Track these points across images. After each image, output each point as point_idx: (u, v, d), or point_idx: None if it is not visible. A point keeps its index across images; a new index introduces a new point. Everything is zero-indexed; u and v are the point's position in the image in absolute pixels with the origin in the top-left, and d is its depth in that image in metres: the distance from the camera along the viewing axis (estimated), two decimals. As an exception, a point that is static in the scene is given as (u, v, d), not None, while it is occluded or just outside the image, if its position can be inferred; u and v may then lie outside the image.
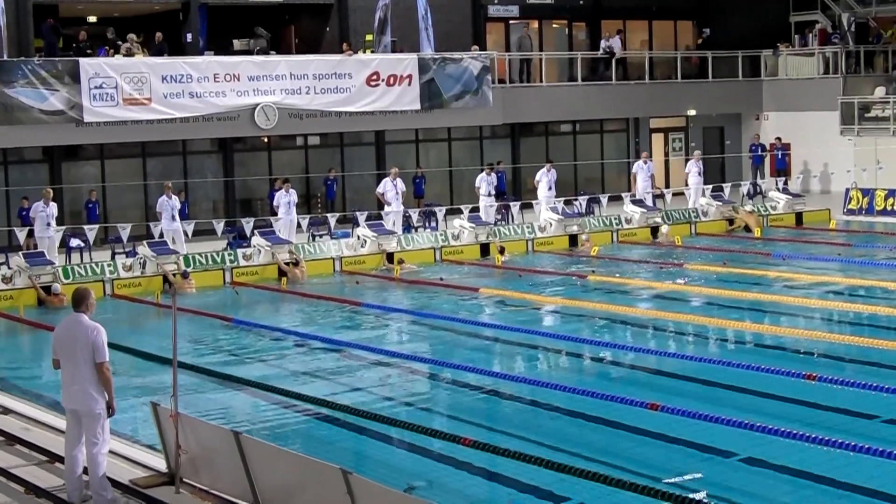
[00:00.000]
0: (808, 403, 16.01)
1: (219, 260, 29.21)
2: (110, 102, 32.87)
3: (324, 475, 10.40)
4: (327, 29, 40.35)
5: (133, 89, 33.20)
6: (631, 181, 38.03)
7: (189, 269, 28.24)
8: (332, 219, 32.76)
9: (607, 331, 21.91)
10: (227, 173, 36.83)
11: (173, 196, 30.87)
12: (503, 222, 35.08)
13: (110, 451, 12.48)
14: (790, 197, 37.31)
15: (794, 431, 14.09)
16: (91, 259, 29.72)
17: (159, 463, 13.03)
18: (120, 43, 34.57)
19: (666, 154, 45.39)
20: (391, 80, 37.10)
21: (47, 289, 26.71)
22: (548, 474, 13.02)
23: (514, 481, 13.28)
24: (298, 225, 32.20)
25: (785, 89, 44.98)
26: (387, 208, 33.55)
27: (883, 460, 13.17)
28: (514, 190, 40.38)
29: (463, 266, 30.38)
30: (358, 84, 36.54)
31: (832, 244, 31.68)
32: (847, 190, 37.61)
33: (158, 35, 35.30)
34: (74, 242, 30.41)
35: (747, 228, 34.81)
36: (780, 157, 42.79)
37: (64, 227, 30.36)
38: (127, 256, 29.37)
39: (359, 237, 31.27)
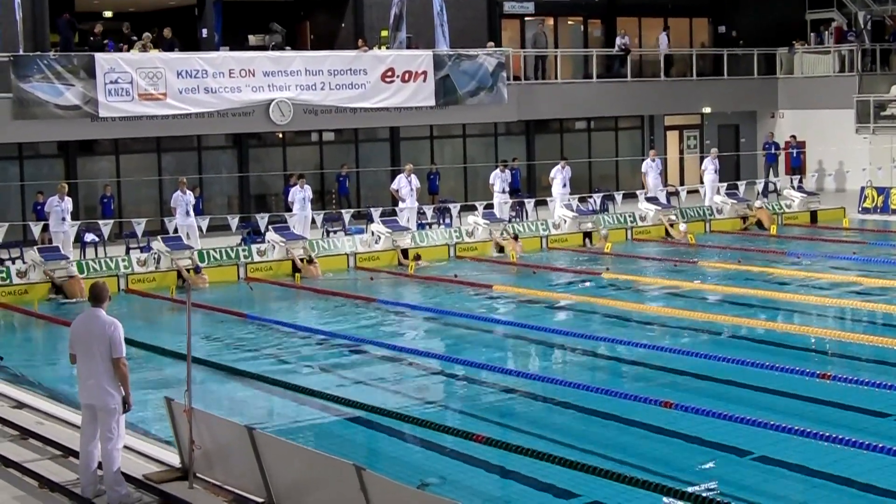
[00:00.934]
0: (822, 402, 15.98)
1: (233, 255, 29.24)
2: (125, 97, 32.94)
3: (337, 471, 10.40)
4: (342, 25, 40.39)
5: (148, 84, 33.25)
6: (642, 180, 37.96)
7: (203, 265, 28.27)
8: (347, 215, 32.79)
9: (621, 328, 21.87)
10: (242, 169, 36.87)
11: (188, 191, 30.91)
12: (517, 219, 35.07)
13: (124, 446, 12.50)
14: (805, 195, 37.25)
15: (808, 430, 14.07)
16: (105, 254, 29.80)
17: (173, 458, 13.06)
18: (135, 39, 34.60)
19: (681, 151, 45.33)
20: (406, 77, 37.12)
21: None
22: (561, 471, 13.01)
23: (527, 478, 13.29)
24: (313, 221, 32.22)
25: (800, 87, 44.89)
26: (401, 204, 33.56)
27: (897, 459, 13.16)
28: (529, 187, 40.36)
29: (477, 262, 30.38)
30: (373, 80, 36.56)
31: (847, 242, 31.62)
32: (862, 188, 37.53)
33: (167, 31, 35.32)
34: (89, 237, 30.50)
35: (760, 225, 34.75)
36: (795, 155, 42.71)
37: (79, 222, 30.45)
38: (141, 251, 29.42)
39: (373, 233, 31.30)
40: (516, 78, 40.42)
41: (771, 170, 42.23)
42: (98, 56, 32.91)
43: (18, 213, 32.70)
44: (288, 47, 37.54)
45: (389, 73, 36.88)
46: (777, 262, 28.89)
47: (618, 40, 43.37)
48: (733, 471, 13.60)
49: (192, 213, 30.73)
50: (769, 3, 46.85)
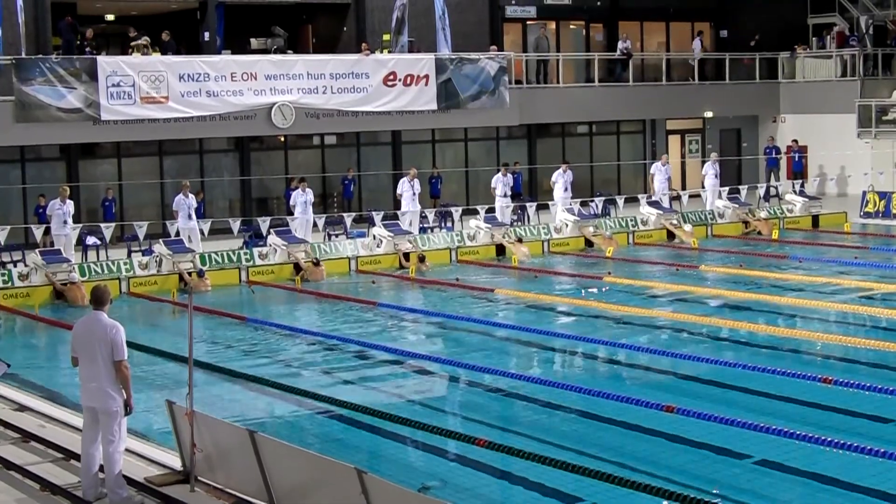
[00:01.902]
0: (823, 406, 15.99)
1: (235, 259, 29.26)
2: (128, 101, 32.97)
3: (339, 474, 10.41)
4: (344, 28, 40.41)
5: (150, 88, 33.28)
6: (648, 182, 37.99)
7: (205, 268, 28.29)
8: (348, 218, 32.81)
9: (622, 332, 21.88)
10: (244, 172, 36.90)
11: (190, 195, 30.93)
12: (519, 223, 35.08)
13: (126, 449, 12.52)
14: (807, 199, 37.26)
15: (809, 434, 14.07)
16: (107, 257, 29.82)
17: (174, 461, 13.07)
18: (135, 43, 34.58)
19: (682, 156, 45.34)
20: (408, 80, 37.14)
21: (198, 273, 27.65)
22: (562, 475, 13.02)
23: (529, 482, 13.29)
24: (314, 224, 32.24)
25: (802, 92, 44.91)
26: (403, 208, 33.57)
27: (898, 464, 13.17)
28: (530, 191, 40.38)
29: (479, 266, 30.40)
30: (375, 84, 36.59)
31: (849, 247, 31.61)
32: (864, 193, 37.53)
33: (165, 34, 35.31)
34: (91, 240, 30.52)
35: (760, 233, 34.76)
36: (796, 159, 42.71)
37: (80, 225, 30.46)
38: (143, 254, 29.44)
39: (375, 237, 31.31)
40: (518, 82, 40.47)
41: (772, 174, 42.23)
42: (100, 59, 32.96)
43: (20, 216, 32.72)
44: (290, 51, 37.57)
45: (391, 77, 36.91)
46: (779, 266, 28.89)
47: (620, 44, 43.42)
48: (734, 474, 13.60)
49: (193, 216, 30.76)
50: (771, 8, 46.86)
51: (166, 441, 13.89)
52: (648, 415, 15.51)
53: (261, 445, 11.52)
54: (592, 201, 36.60)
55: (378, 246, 30.93)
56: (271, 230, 30.57)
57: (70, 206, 29.50)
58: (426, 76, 37.43)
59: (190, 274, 27.89)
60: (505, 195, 35.25)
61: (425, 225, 33.96)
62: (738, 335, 21.27)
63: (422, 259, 30.00)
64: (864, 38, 44.98)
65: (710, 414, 15.10)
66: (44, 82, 31.87)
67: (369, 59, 36.76)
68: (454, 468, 14.15)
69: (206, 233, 30.80)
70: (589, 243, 32.94)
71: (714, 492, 12.71)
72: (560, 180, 35.92)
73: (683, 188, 41.20)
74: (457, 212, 34.22)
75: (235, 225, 31.34)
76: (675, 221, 34.40)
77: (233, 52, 35.96)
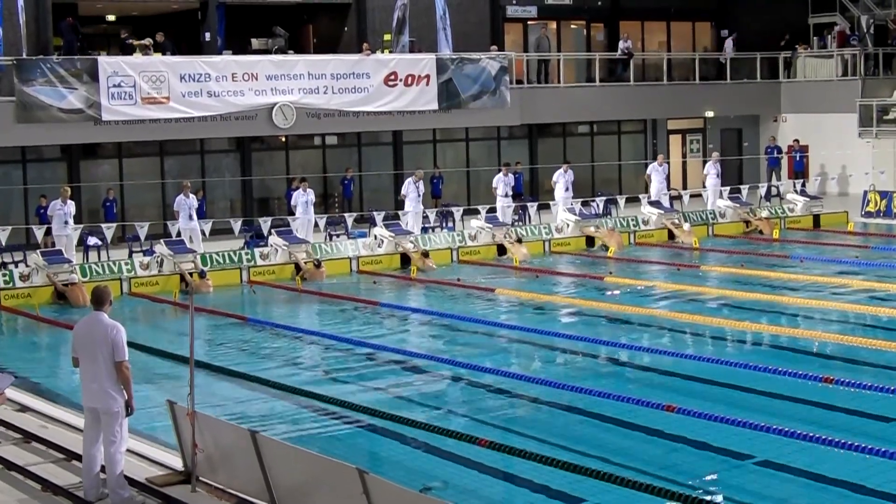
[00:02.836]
0: (825, 406, 15.99)
1: (236, 259, 29.26)
2: (129, 101, 32.96)
3: (340, 475, 10.41)
4: (345, 29, 40.39)
5: (151, 88, 33.27)
6: (647, 183, 37.98)
7: (206, 269, 28.28)
8: (350, 218, 32.81)
9: (624, 332, 21.88)
10: (245, 172, 36.89)
11: (191, 195, 30.92)
12: (520, 223, 35.07)
13: (127, 450, 12.52)
14: (808, 199, 37.25)
15: (811, 434, 14.07)
16: (108, 257, 29.81)
17: (175, 461, 13.07)
18: (137, 43, 34.55)
19: (683, 155, 45.33)
20: (409, 80, 37.13)
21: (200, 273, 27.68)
22: (563, 475, 13.02)
23: (530, 482, 13.29)
24: (316, 224, 32.23)
25: (803, 91, 44.88)
26: (407, 208, 33.52)
27: (900, 464, 13.16)
28: (532, 190, 40.36)
29: (480, 266, 30.40)
30: (376, 84, 36.58)
31: (850, 246, 31.59)
32: (865, 192, 37.50)
33: (160, 35, 35.24)
34: (92, 241, 30.51)
35: (762, 232, 34.75)
36: (797, 159, 42.69)
37: (82, 226, 30.46)
38: (144, 255, 29.44)
39: (376, 237, 31.31)
40: (519, 82, 40.44)
41: (773, 174, 42.21)
42: (101, 59, 32.95)
43: (21, 217, 32.70)
44: (291, 51, 37.54)
45: (392, 77, 36.90)
46: (780, 266, 28.88)
47: (621, 44, 43.39)
48: (735, 475, 13.60)
49: (194, 216, 30.75)
50: (772, 7, 46.83)
51: (168, 441, 13.88)
52: (650, 415, 15.51)
53: (262, 446, 11.52)
54: (594, 201, 36.58)
55: (379, 246, 30.92)
56: (272, 230, 30.56)
57: (71, 206, 29.50)
58: (427, 76, 37.42)
59: (191, 274, 27.88)
60: (506, 195, 35.24)
61: (426, 225, 33.94)
62: (740, 335, 21.27)
63: (425, 255, 29.98)
64: (864, 38, 44.95)
65: (712, 414, 15.11)
66: (45, 83, 31.86)
67: (370, 59, 36.75)
68: (456, 468, 14.14)
69: (207, 233, 30.78)
70: (590, 243, 32.93)
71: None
72: (561, 180, 35.91)
73: (685, 188, 41.18)
74: (458, 212, 34.21)
75: (236, 225, 31.33)
76: (676, 221, 34.38)
77: (234, 53, 35.94)
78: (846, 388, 16.51)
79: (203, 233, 30.66)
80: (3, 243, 28.73)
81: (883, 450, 13.40)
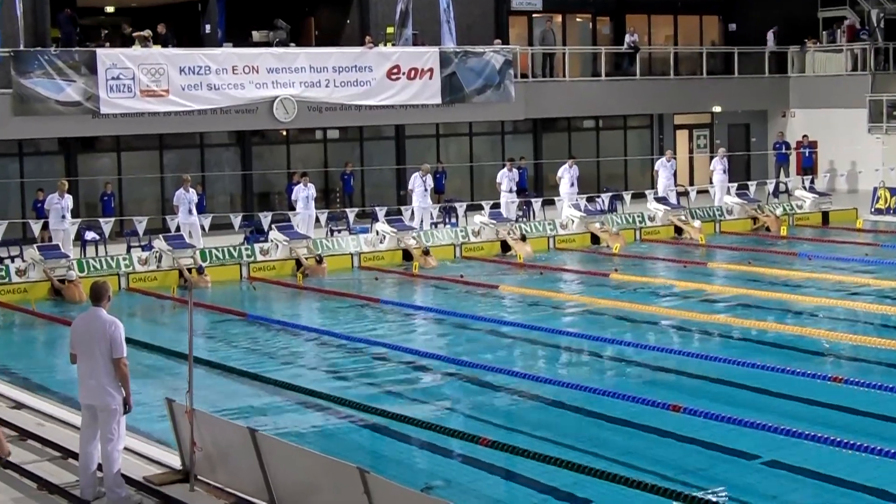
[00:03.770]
0: (833, 406, 15.97)
1: (236, 255, 29.26)
2: (127, 94, 32.96)
3: (341, 474, 10.40)
4: (348, 21, 40.38)
5: (150, 81, 33.27)
6: (653, 178, 37.94)
7: (205, 264, 28.28)
8: (351, 214, 32.80)
9: (629, 330, 21.86)
10: (245, 167, 36.88)
11: (191, 189, 30.91)
12: (524, 219, 35.05)
13: (125, 448, 12.51)
14: (816, 196, 37.21)
15: (819, 434, 14.04)
16: (106, 252, 29.81)
17: (174, 460, 13.06)
18: (136, 34, 34.54)
19: (690, 151, 45.30)
20: (412, 74, 37.12)
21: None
22: (567, 475, 13.01)
23: (533, 482, 13.28)
24: (317, 220, 32.21)
25: (812, 86, 44.83)
26: (413, 203, 33.46)
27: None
28: (536, 186, 40.34)
29: (483, 263, 30.40)
30: (378, 77, 36.57)
31: (859, 244, 31.58)
32: (875, 189, 37.45)
33: (161, 26, 35.26)
34: (89, 235, 30.51)
35: (769, 229, 34.73)
36: (806, 155, 42.66)
37: (79, 220, 30.47)
38: (143, 250, 29.43)
39: (378, 233, 31.30)
40: (524, 75, 40.41)
41: (782, 170, 42.18)
42: (99, 52, 32.94)
43: (18, 211, 32.73)
44: (292, 44, 37.50)
45: (395, 71, 36.89)
46: (788, 263, 28.86)
47: (627, 38, 43.33)
48: (742, 475, 13.58)
49: (194, 211, 30.73)
50: (780, 1, 46.79)
51: (166, 439, 13.88)
52: (655, 414, 15.50)
53: (262, 444, 11.51)
54: (599, 197, 36.57)
55: (381, 242, 30.91)
56: (273, 225, 30.55)
57: (69, 200, 29.49)
58: (430, 70, 37.41)
59: (190, 270, 27.88)
60: (510, 191, 35.21)
61: (430, 221, 33.86)
62: (747, 333, 21.26)
63: (427, 252, 29.97)
64: (874, 32, 44.90)
65: (718, 413, 15.09)
66: (42, 75, 31.86)
67: (373, 52, 36.74)
68: (458, 468, 14.14)
69: (206, 228, 30.75)
70: (595, 239, 32.91)
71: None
72: (566, 175, 35.86)
73: (691, 184, 41.16)
74: (461, 207, 34.19)
75: (236, 220, 31.31)
76: (682, 218, 34.37)
77: (234, 45, 35.90)
78: (855, 387, 16.49)
79: (202, 228, 30.64)
80: (0, 238, 28.70)
81: (892, 450, 13.36)
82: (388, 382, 18.47)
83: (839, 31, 45.89)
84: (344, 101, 36.10)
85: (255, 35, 38.12)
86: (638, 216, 34.41)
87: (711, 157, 40.08)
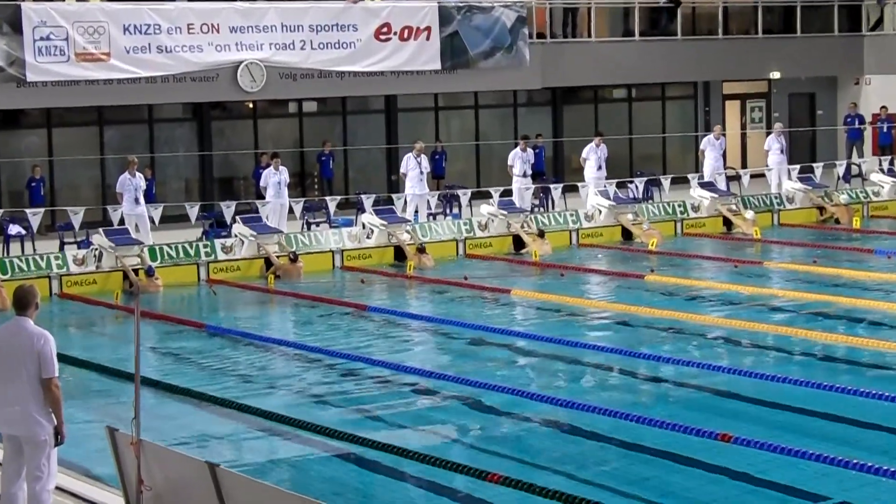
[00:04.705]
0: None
1: (192, 252, 29.29)
2: (59, 57, 32.97)
3: (318, 518, 10.41)
4: (327, -30, 40.46)
5: (88, 42, 33.29)
6: (699, 160, 38.00)
7: (155, 264, 28.31)
8: (332, 203, 32.84)
9: (668, 343, 21.88)
10: (203, 146, 36.94)
11: (137, 174, 30.91)
12: (541, 209, 35.10)
13: (57, 487, 12.51)
14: (896, 180, 37.30)
15: (900, 470, 14.07)
16: (34, 250, 29.85)
17: (117, 501, 13.06)
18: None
19: (743, 126, 45.39)
20: (405, 34, 37.16)
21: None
22: (594, 519, 13.03)
23: (553, 527, 13.29)
24: (290, 210, 32.25)
25: (892, 47, 44.83)
26: (408, 190, 33.46)
27: None
28: (555, 170, 40.45)
29: (491, 262, 30.44)
30: (364, 38, 36.61)
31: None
32: (969, 171, 37.55)
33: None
34: (14, 230, 30.55)
35: (838, 221, 34.76)
36: (885, 130, 42.71)
37: (1, 211, 30.48)
38: (79, 247, 29.48)
39: (364, 226, 31.33)
40: (540, 35, 40.44)
41: (854, 149, 42.24)
42: (25, 6, 32.94)
43: (-72, 201, 32.86)
44: (260, -3, 37.64)
45: (385, 30, 36.93)
46: (862, 262, 28.90)
47: (666, -11, 43.44)
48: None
49: (142, 200, 30.76)
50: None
51: (107, 476, 13.88)
52: (701, 445, 15.50)
53: (223, 481, 11.51)
54: (632, 182, 36.64)
55: (368, 237, 30.95)
56: (237, 217, 30.61)
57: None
58: (427, 29, 37.45)
59: (137, 272, 27.90)
60: (524, 175, 35.26)
61: (427, 211, 33.94)
62: (812, 347, 21.27)
63: (422, 250, 30.00)
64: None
65: (777, 444, 15.08)
66: (-44, 35, 31.96)
67: (357, 7, 36.80)
68: (461, 510, 14.17)
69: (156, 220, 30.80)
70: (627, 234, 32.95)
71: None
72: (592, 157, 35.91)
73: (744, 167, 41.23)
74: (465, 195, 34.20)
75: (193, 211, 31.35)
76: (732, 207, 34.40)
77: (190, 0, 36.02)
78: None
79: (152, 220, 30.68)
80: None
81: None
82: (376, 406, 18.49)
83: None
84: (323, 66, 36.13)
85: (216, -13, 38.23)
86: (679, 205, 34.45)
87: (768, 134, 40.11)
